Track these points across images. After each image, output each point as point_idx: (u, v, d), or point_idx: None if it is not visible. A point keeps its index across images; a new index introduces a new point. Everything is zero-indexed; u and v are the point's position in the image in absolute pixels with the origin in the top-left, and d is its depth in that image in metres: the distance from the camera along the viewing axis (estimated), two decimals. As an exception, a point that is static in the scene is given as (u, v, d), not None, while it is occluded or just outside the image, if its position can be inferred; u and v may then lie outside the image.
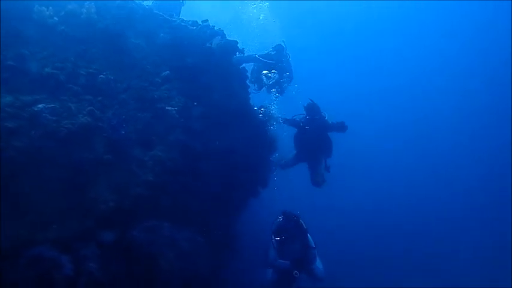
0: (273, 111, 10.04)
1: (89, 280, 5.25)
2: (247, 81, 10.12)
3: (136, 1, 8.53)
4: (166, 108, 7.33)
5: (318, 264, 8.18)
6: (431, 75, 37.44)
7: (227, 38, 8.96)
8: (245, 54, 9.99)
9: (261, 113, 9.75)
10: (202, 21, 9.10)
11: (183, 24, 8.84)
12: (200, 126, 7.75)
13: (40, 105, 5.76)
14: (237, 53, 9.15)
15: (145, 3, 8.75)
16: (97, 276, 5.31)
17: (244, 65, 10.06)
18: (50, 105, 5.87)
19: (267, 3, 14.73)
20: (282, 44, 10.83)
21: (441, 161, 32.12)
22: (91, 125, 6.08)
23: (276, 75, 10.27)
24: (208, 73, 8.37)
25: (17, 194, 5.13)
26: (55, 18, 6.93)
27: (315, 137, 9.88)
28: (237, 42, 9.01)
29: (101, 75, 6.90)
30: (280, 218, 8.09)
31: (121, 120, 6.53)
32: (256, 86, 10.62)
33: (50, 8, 6.89)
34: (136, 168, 6.43)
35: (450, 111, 35.45)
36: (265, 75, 10.21)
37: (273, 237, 7.96)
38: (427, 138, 34.19)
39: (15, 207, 5.08)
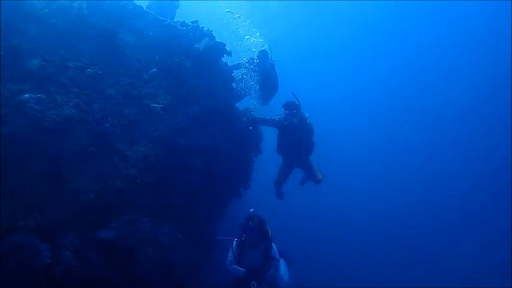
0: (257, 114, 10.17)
1: (65, 269, 5.35)
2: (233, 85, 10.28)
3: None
4: (152, 105, 7.48)
5: (284, 276, 7.77)
6: (431, 75, 37.71)
7: (215, 39, 9.09)
8: (230, 64, 10.17)
9: (245, 117, 9.86)
10: (191, 22, 9.25)
11: (172, 24, 8.99)
12: (185, 124, 7.89)
13: (26, 95, 5.87)
14: (225, 55, 9.30)
15: (138, 2, 8.88)
16: (73, 265, 5.42)
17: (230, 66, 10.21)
18: (36, 96, 5.97)
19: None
20: (266, 49, 10.83)
21: (441, 161, 32.32)
22: (76, 117, 6.21)
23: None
24: (195, 73, 8.51)
25: (0, 181, 5.22)
26: (46, 10, 7.03)
27: (295, 132, 9.66)
28: (225, 45, 9.18)
29: (89, 69, 7.03)
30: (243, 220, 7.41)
31: (106, 114, 6.66)
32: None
33: (42, 1, 7.00)
34: (119, 162, 6.55)
35: (450, 111, 35.66)
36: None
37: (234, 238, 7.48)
38: (426, 138, 34.42)
39: (-2, 193, 5.17)
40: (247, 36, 11.94)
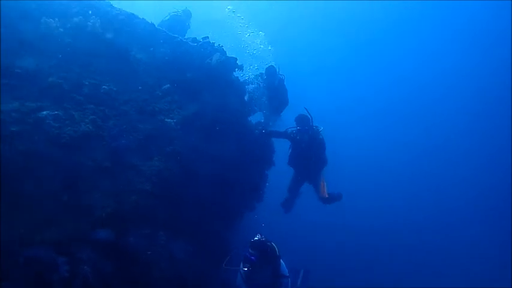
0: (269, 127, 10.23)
1: (84, 283, 5.38)
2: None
3: (140, 17, 8.84)
4: (166, 120, 7.56)
5: None
6: (430, 76, 37.73)
7: (226, 54, 9.22)
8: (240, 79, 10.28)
9: (257, 130, 9.94)
10: (202, 38, 9.40)
11: (184, 40, 9.14)
12: (198, 138, 7.96)
13: (44, 112, 5.97)
14: (236, 69, 9.40)
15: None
16: (91, 279, 5.44)
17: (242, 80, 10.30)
18: (53, 113, 6.07)
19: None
20: (274, 65, 10.84)
21: (441, 162, 32.18)
22: (92, 133, 6.29)
23: None
24: (208, 88, 8.62)
25: (18, 195, 5.29)
26: (61, 29, 7.19)
27: (307, 148, 9.74)
28: (236, 59, 9.31)
29: (104, 86, 7.15)
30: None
31: (121, 129, 6.74)
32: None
33: (57, 19, 7.16)
34: (134, 177, 6.60)
35: (450, 111, 35.60)
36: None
37: (241, 265, 7.13)
38: (427, 139, 34.28)
39: (16, 208, 5.23)
40: (248, 33, 11.92)
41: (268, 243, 6.84)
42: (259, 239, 6.87)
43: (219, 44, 9.43)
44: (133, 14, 8.83)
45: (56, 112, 6.11)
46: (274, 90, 10.60)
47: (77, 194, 5.84)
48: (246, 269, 6.80)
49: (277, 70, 10.74)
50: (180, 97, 8.15)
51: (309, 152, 9.75)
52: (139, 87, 7.72)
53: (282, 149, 10.56)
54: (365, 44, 39.14)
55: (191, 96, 8.34)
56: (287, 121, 10.49)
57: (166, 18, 12.90)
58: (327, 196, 10.02)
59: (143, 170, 6.77)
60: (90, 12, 7.88)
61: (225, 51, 9.27)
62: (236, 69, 9.46)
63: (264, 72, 10.77)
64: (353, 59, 39.51)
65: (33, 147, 5.58)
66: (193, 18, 13.03)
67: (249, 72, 10.95)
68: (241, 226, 9.90)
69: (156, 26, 9.08)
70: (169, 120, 7.56)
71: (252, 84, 10.67)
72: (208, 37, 9.49)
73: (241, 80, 10.43)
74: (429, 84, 37.73)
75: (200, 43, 9.29)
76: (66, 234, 5.45)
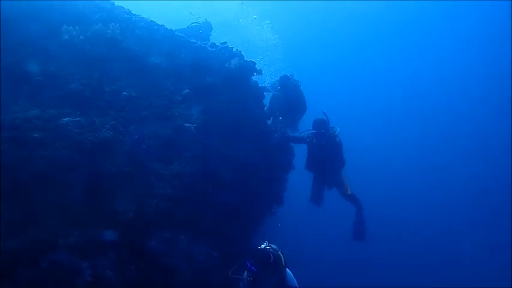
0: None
1: (107, 287, 5.39)
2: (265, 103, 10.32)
3: (159, 23, 8.91)
4: (186, 125, 7.56)
5: None
6: (431, 76, 37.46)
7: (245, 58, 9.20)
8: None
9: (277, 133, 9.87)
10: (221, 43, 9.42)
11: (202, 45, 9.17)
12: (218, 142, 7.95)
13: (66, 119, 6.03)
14: (254, 73, 9.38)
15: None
16: (114, 283, 5.45)
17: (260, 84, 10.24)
18: (75, 119, 6.13)
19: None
20: (288, 74, 10.62)
21: (441, 162, 31.94)
22: (113, 139, 6.33)
23: None
24: (227, 92, 8.60)
25: (41, 201, 5.34)
26: (81, 37, 7.29)
27: (323, 152, 9.55)
28: (255, 63, 9.27)
29: (124, 92, 7.21)
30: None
31: (142, 135, 6.76)
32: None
33: (77, 27, 7.26)
34: (155, 181, 6.61)
35: (450, 112, 35.37)
36: None
37: (245, 274, 6.67)
38: (426, 139, 34.01)
39: (39, 212, 5.28)
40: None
41: (273, 252, 6.31)
42: (261, 248, 6.40)
43: (237, 49, 9.42)
44: (152, 20, 8.91)
45: (77, 118, 6.18)
46: (290, 102, 10.42)
47: (98, 198, 5.87)
48: (249, 278, 6.34)
49: (291, 77, 10.54)
50: (200, 102, 8.15)
51: (325, 154, 9.61)
52: (159, 93, 7.75)
53: (302, 153, 10.44)
54: (366, 45, 38.93)
55: (210, 100, 8.33)
56: (305, 123, 10.38)
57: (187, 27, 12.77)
58: (349, 193, 9.94)
59: (164, 174, 6.78)
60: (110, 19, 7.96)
61: (243, 56, 9.25)
62: (255, 73, 9.42)
63: (278, 81, 10.64)
64: (355, 60, 39.32)
65: (55, 153, 5.63)
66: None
67: (265, 80, 10.83)
68: (262, 230, 9.82)
69: (174, 32, 9.12)
70: (188, 124, 7.56)
71: (267, 92, 10.56)
72: (226, 42, 9.49)
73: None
74: (429, 85, 37.45)
75: (219, 48, 9.30)
76: (89, 239, 5.47)
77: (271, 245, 6.54)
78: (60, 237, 5.27)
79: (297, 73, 10.83)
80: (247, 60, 9.22)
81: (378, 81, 38.88)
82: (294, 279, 6.71)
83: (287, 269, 6.51)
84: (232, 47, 9.34)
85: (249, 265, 6.13)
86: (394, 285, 17.45)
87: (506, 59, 32.34)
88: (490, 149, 32.47)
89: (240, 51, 9.37)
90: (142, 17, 8.82)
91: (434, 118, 36.13)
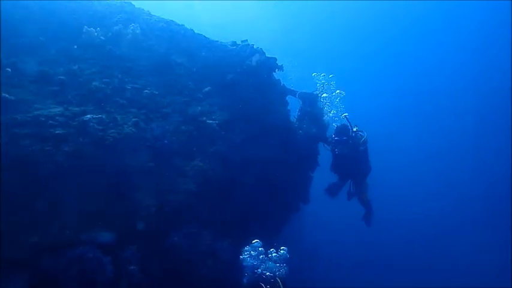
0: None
1: (130, 282, 5.35)
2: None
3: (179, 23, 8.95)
4: (208, 121, 7.51)
5: None
6: (432, 77, 36.93)
7: (266, 55, 9.12)
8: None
9: (301, 130, 9.67)
10: (241, 41, 9.39)
11: (223, 44, 9.16)
12: (240, 139, 7.85)
13: (88, 116, 6.04)
14: (276, 69, 9.28)
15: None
16: (138, 278, 5.41)
17: (283, 83, 10.07)
18: (97, 116, 6.14)
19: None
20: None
21: (441, 162, 31.37)
22: (135, 135, 6.31)
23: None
24: (249, 89, 8.53)
25: (63, 195, 5.34)
26: (102, 38, 7.36)
27: (347, 160, 9.06)
28: (276, 59, 9.19)
29: (146, 90, 7.21)
30: None
31: (164, 131, 6.74)
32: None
33: (98, 28, 7.34)
34: (178, 177, 6.56)
35: (449, 112, 34.79)
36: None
37: None
38: (426, 140, 33.42)
39: (61, 208, 5.28)
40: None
41: (271, 280, 6.08)
42: (258, 276, 6.15)
43: (258, 46, 9.36)
44: (172, 20, 8.97)
45: (99, 115, 6.18)
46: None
47: (121, 194, 5.85)
48: None
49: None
50: (221, 99, 8.13)
51: (348, 163, 9.15)
52: (181, 90, 7.75)
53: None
54: (366, 46, 38.56)
55: (232, 97, 8.27)
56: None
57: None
58: (366, 199, 9.65)
59: (186, 170, 6.73)
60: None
61: (264, 52, 9.17)
62: (276, 70, 9.33)
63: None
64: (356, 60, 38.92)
65: (77, 149, 5.64)
66: (200, 21, 12.62)
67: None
68: (286, 228, 9.65)
69: (195, 31, 9.14)
70: (210, 121, 7.51)
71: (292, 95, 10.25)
72: (247, 40, 9.45)
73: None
74: (430, 85, 36.92)
75: (239, 46, 9.28)
76: (111, 234, 5.44)
77: (267, 271, 6.28)
78: (82, 232, 5.26)
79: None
80: (269, 56, 9.14)
81: (378, 81, 38.49)
82: None
83: None
84: (253, 45, 9.29)
85: None
86: (394, 285, 17.35)
87: (506, 59, 31.84)
88: (490, 149, 31.94)
89: (261, 48, 9.30)
90: (162, 18, 8.88)
91: (434, 118, 35.70)
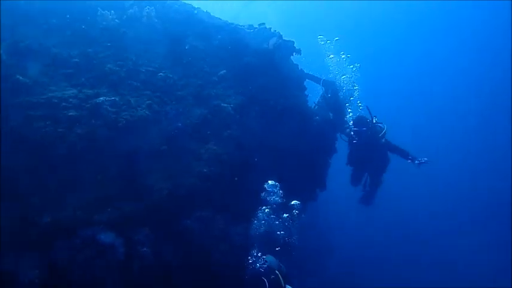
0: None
1: (142, 264, 5.34)
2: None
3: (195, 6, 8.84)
4: (222, 105, 7.41)
5: None
6: (432, 77, 36.19)
7: (283, 38, 8.96)
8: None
9: (318, 116, 9.49)
10: (258, 25, 9.23)
11: (239, 27, 9.03)
12: (256, 123, 7.74)
13: (101, 98, 6.03)
14: (294, 53, 9.12)
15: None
16: (149, 261, 5.40)
17: (301, 67, 9.89)
18: (110, 98, 6.12)
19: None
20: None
21: (442, 163, 30.86)
22: (149, 118, 6.27)
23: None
24: (265, 73, 8.39)
25: (76, 177, 5.36)
26: (117, 20, 7.32)
27: (365, 152, 8.91)
28: (294, 42, 9.02)
29: (160, 73, 7.15)
30: None
31: (178, 113, 6.68)
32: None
33: (112, 11, 7.30)
34: (191, 160, 6.51)
35: (449, 113, 34.13)
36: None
37: None
38: (426, 140, 32.88)
39: (74, 189, 5.30)
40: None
41: (269, 276, 5.91)
42: (255, 276, 5.93)
43: (276, 30, 9.20)
44: (188, 3, 8.85)
45: (112, 98, 6.16)
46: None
47: (134, 176, 5.84)
48: None
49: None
50: (237, 82, 8.00)
51: (366, 156, 9.02)
52: (196, 74, 7.67)
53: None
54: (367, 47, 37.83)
55: (248, 81, 8.15)
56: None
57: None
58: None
59: (200, 153, 6.66)
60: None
61: (282, 35, 9.01)
62: (294, 53, 9.16)
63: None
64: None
65: (90, 131, 5.63)
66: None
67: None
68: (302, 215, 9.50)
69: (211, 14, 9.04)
70: (225, 105, 7.41)
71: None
72: (264, 23, 9.29)
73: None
74: (430, 85, 36.17)
75: (257, 29, 9.13)
76: (123, 216, 5.44)
77: (267, 262, 6.13)
78: (95, 214, 5.27)
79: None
80: (286, 39, 8.97)
81: (378, 81, 37.88)
82: None
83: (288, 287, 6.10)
84: (271, 28, 9.13)
85: None
86: (395, 285, 17.26)
87: (507, 59, 31.04)
88: (490, 149, 31.36)
89: (278, 31, 9.14)
90: (178, 0, 8.77)
91: (433, 119, 35.07)
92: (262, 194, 7.08)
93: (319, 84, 9.97)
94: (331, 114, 9.67)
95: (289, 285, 6.18)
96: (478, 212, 26.65)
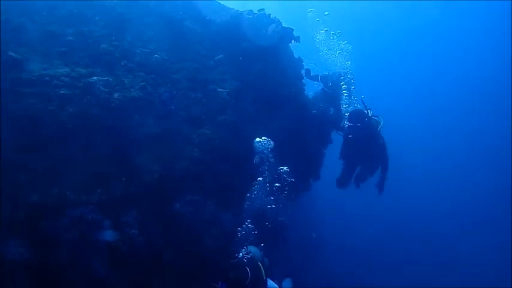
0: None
1: (131, 246, 5.31)
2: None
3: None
4: (218, 89, 7.35)
5: None
6: (432, 77, 36.23)
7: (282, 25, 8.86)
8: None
9: (315, 110, 9.41)
10: (258, 10, 9.11)
11: (239, 12, 8.92)
12: (251, 109, 7.68)
13: (94, 77, 5.95)
14: (293, 40, 9.03)
15: None
16: (138, 242, 5.37)
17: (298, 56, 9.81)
18: (103, 78, 6.04)
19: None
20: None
21: (442, 163, 30.95)
22: (142, 99, 6.20)
23: None
24: (263, 59, 8.31)
25: (66, 156, 5.30)
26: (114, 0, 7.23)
27: (359, 146, 8.43)
28: (293, 30, 8.93)
29: (156, 55, 7.08)
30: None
31: (172, 96, 6.62)
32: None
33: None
34: (184, 144, 6.46)
35: (449, 113, 34.28)
36: None
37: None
38: (426, 140, 32.93)
39: (63, 168, 5.24)
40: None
41: (251, 265, 5.72)
42: (237, 264, 5.73)
43: (275, 16, 9.10)
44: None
45: (106, 78, 6.08)
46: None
47: (125, 158, 5.78)
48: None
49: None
50: (234, 67, 7.93)
51: (362, 151, 8.56)
52: (192, 57, 7.59)
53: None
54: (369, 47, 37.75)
55: (245, 67, 8.07)
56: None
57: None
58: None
59: (193, 137, 6.61)
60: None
61: (281, 22, 8.91)
62: (293, 41, 9.07)
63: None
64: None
65: (82, 110, 5.57)
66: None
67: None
68: (295, 205, 9.46)
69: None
70: (221, 90, 7.35)
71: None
72: (264, 9, 9.18)
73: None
74: (430, 85, 36.17)
75: (256, 15, 9.00)
76: (112, 197, 5.40)
77: (250, 253, 5.98)
78: (84, 194, 5.22)
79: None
80: (285, 27, 8.87)
81: (378, 81, 37.85)
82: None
83: (269, 281, 6.02)
84: (270, 14, 9.03)
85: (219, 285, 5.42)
86: (395, 285, 17.33)
87: (507, 59, 31.02)
88: (490, 150, 31.42)
89: (278, 18, 9.04)
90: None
91: (433, 119, 35.07)
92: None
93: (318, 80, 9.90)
94: (329, 108, 9.60)
95: (270, 280, 6.12)
96: (479, 212, 26.69)
